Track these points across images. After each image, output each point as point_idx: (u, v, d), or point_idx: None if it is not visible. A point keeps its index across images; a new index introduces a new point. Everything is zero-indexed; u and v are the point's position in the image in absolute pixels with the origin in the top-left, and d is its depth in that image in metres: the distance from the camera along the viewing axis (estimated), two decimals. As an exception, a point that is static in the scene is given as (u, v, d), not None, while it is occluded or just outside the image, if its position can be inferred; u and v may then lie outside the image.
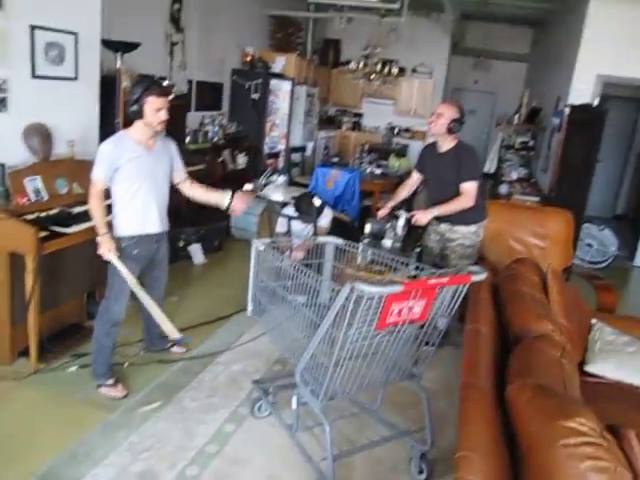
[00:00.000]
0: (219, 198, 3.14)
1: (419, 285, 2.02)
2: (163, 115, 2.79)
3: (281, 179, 4.12)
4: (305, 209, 4.42)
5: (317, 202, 4.03)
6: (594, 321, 3.10)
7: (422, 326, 2.38)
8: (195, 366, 3.36)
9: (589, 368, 2.79)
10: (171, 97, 5.17)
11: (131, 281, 2.84)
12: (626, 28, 5.59)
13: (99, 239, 2.82)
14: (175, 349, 3.52)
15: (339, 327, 2.09)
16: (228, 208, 3.12)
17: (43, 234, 3.01)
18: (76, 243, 3.24)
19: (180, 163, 3.12)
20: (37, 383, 3.04)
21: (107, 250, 2.81)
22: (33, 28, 3.42)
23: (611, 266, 6.46)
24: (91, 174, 2.80)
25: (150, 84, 2.77)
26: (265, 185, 3.99)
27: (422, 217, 3.52)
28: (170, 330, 3.01)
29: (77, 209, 3.40)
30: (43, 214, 3.22)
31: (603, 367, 2.77)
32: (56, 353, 3.32)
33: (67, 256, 3.36)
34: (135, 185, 2.83)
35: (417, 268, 2.61)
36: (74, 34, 3.73)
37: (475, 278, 2.14)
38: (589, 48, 5.77)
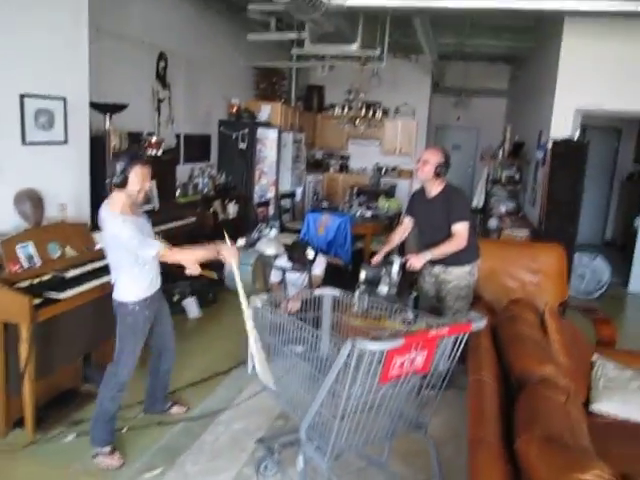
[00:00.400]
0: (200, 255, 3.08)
1: (419, 338, 2.02)
2: (147, 185, 2.85)
3: (273, 232, 4.15)
4: (298, 258, 4.42)
5: (311, 254, 4.04)
6: (595, 357, 3.09)
7: (426, 375, 2.36)
8: (196, 427, 3.30)
9: (594, 407, 2.76)
10: (160, 153, 5.27)
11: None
12: (599, 62, 5.75)
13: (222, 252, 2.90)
14: (175, 409, 3.46)
15: (342, 383, 2.07)
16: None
17: (37, 301, 2.98)
18: (71, 308, 3.21)
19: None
20: (33, 455, 2.96)
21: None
22: (23, 97, 3.48)
23: (605, 294, 6.47)
24: (148, 252, 2.79)
25: (135, 154, 2.83)
26: (257, 239, 4.01)
27: (416, 262, 3.54)
28: (267, 379, 2.90)
29: (70, 273, 3.38)
30: (36, 280, 3.19)
31: (608, 406, 2.74)
32: (52, 422, 3.24)
33: (62, 321, 3.32)
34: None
35: (414, 317, 2.61)
36: (63, 99, 3.79)
37: (475, 326, 2.14)
38: (566, 83, 5.91)
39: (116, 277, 2.93)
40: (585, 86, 5.82)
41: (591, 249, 7.08)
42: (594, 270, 6.49)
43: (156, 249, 2.79)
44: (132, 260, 2.84)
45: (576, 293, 6.41)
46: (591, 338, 3.70)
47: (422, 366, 2.22)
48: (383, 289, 3.55)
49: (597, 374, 2.96)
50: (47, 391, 3.37)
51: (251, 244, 4.09)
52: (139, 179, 2.78)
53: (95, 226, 4.01)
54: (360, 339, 1.91)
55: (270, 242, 4.11)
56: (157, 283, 3.06)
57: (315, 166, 10.38)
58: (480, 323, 2.16)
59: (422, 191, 3.80)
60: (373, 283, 3.62)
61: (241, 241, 4.00)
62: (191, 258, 2.89)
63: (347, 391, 2.06)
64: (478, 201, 8.20)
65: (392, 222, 6.75)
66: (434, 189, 3.67)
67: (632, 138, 9.30)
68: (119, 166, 2.74)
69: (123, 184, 2.76)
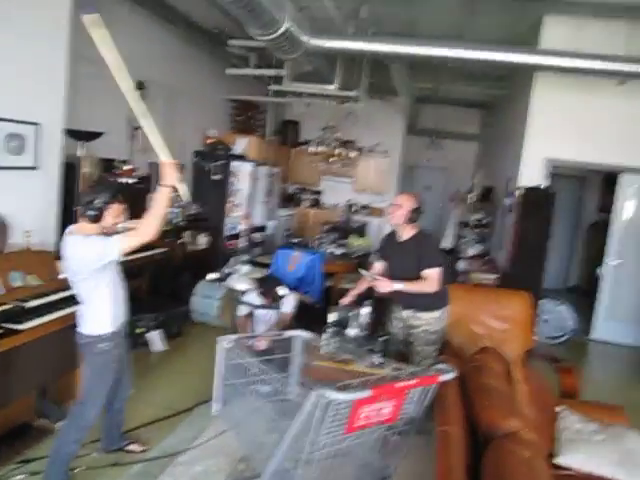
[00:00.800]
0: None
1: (387, 389, 2.00)
2: (120, 220, 2.82)
3: (245, 268, 4.12)
4: (268, 293, 4.39)
5: (282, 291, 4.01)
6: (559, 409, 3.11)
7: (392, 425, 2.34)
8: (154, 468, 3.18)
9: (559, 460, 2.77)
10: (132, 181, 5.22)
11: None
12: (568, 113, 5.97)
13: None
14: (133, 447, 3.34)
15: (306, 435, 2.03)
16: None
17: (-6, 332, 2.88)
18: (30, 339, 3.10)
19: None
20: (-21, 496, 2.82)
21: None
22: (-6, 120, 3.42)
23: (569, 341, 6.57)
24: (117, 247, 2.65)
25: (115, 192, 2.76)
26: (228, 274, 3.97)
27: (383, 285, 3.50)
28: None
29: (32, 303, 3.28)
30: (-4, 310, 3.09)
31: (573, 459, 2.75)
32: (2, 458, 3.09)
33: (20, 352, 3.19)
34: (111, 285, 2.84)
35: (381, 363, 2.60)
36: (36, 124, 3.74)
37: (443, 378, 2.13)
38: (535, 133, 6.10)
39: (84, 309, 2.83)
40: (553, 137, 6.02)
41: (555, 294, 7.22)
42: (558, 316, 6.60)
43: (118, 241, 2.66)
44: (100, 284, 2.76)
45: (541, 338, 6.50)
46: (555, 386, 3.75)
47: (389, 416, 2.20)
48: (352, 332, 3.53)
49: (561, 426, 2.97)
50: (0, 424, 3.22)
51: (222, 279, 4.04)
52: (113, 216, 2.75)
53: (60, 255, 3.95)
54: (326, 390, 1.88)
55: (241, 278, 4.08)
56: (123, 313, 2.99)
57: (287, 200, 10.41)
58: (448, 375, 2.16)
59: (393, 234, 3.82)
60: (342, 325, 3.61)
61: (212, 275, 3.97)
62: (159, 211, 2.71)
63: (311, 440, 2.02)
64: (447, 242, 8.33)
65: (362, 261, 6.76)
66: (405, 233, 3.70)
67: (596, 188, 9.59)
68: (97, 201, 2.68)
69: (96, 219, 2.71)
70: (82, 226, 2.76)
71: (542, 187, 5.95)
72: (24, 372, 3.29)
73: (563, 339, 6.58)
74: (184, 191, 2.78)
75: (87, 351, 2.85)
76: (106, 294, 2.81)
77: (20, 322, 3.05)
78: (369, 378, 2.13)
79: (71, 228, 2.79)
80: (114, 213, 2.75)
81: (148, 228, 2.68)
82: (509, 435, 2.19)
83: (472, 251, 7.43)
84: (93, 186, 3.04)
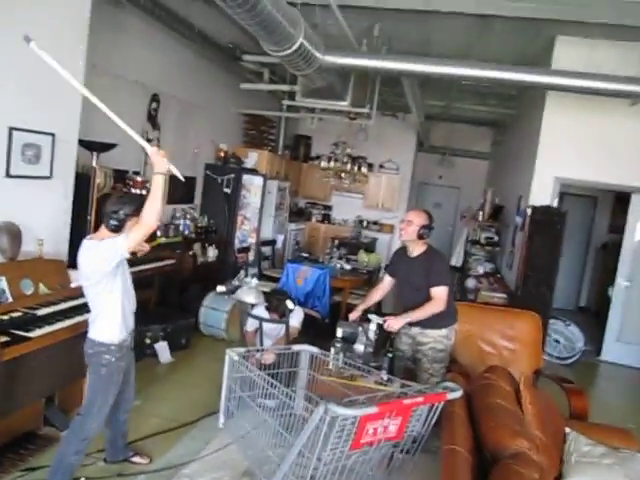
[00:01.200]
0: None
1: (394, 406, 1.99)
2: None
3: (254, 281, 4.13)
4: (277, 307, 4.39)
5: (290, 304, 4.02)
6: (568, 430, 3.07)
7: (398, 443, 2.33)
8: (158, 479, 3.17)
9: (566, 483, 2.73)
10: (144, 192, 5.26)
11: None
12: (579, 133, 5.96)
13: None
14: (137, 459, 3.33)
15: (311, 450, 2.02)
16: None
17: (4, 339, 2.90)
18: (39, 347, 3.12)
19: None
20: (-17, 504, 2.82)
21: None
22: (11, 130, 3.47)
23: (579, 361, 6.51)
24: (133, 240, 2.67)
25: (139, 206, 2.74)
26: (237, 287, 3.99)
27: (394, 323, 3.54)
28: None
29: (42, 311, 3.30)
30: (6, 317, 3.11)
31: (580, 482, 2.71)
32: (8, 466, 3.09)
33: (27, 360, 3.22)
34: (121, 294, 2.84)
35: (388, 380, 2.59)
36: (52, 135, 3.79)
37: (450, 396, 2.12)
38: (546, 152, 6.09)
39: (95, 315, 2.86)
40: (564, 156, 6.01)
41: (566, 314, 7.16)
42: (568, 337, 6.54)
43: (124, 238, 2.68)
44: (111, 290, 2.78)
45: (550, 358, 6.44)
46: (564, 407, 3.70)
47: (395, 434, 2.19)
48: (359, 347, 3.53)
49: (570, 448, 2.93)
50: (5, 433, 3.23)
51: (231, 291, 4.06)
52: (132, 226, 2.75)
53: (72, 264, 3.98)
54: (333, 405, 1.88)
55: (250, 290, 4.09)
56: (133, 323, 2.99)
57: (298, 215, 10.45)
58: (455, 394, 2.15)
59: (404, 249, 3.83)
60: (349, 341, 3.61)
61: (221, 288, 3.99)
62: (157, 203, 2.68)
63: (316, 457, 2.01)
64: (457, 260, 8.30)
65: (371, 277, 6.76)
66: (416, 249, 3.71)
67: (607, 208, 9.56)
68: (122, 212, 2.74)
69: (117, 229, 2.76)
70: (101, 233, 2.82)
71: (553, 206, 5.93)
72: (32, 379, 3.31)
73: (573, 360, 6.52)
74: (177, 172, 2.78)
75: (93, 361, 2.85)
76: (117, 301, 2.82)
77: (30, 330, 3.07)
78: (376, 394, 2.12)
79: (91, 235, 2.88)
80: (134, 225, 2.75)
81: (149, 217, 2.67)
82: (516, 455, 2.17)
83: (481, 269, 7.39)
84: (121, 197, 3.01)
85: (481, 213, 7.98)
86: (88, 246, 2.75)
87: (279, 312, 4.36)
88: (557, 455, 2.88)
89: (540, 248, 5.73)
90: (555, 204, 6.12)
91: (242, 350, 2.81)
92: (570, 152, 6.00)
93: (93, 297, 2.83)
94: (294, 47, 4.42)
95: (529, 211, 5.87)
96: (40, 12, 3.54)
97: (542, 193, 6.11)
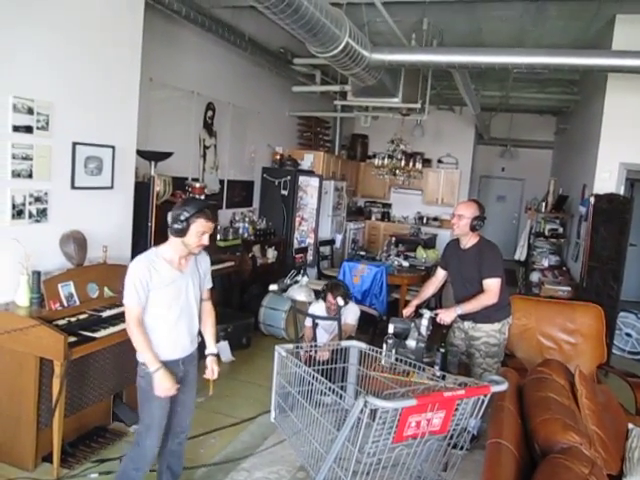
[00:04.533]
0: (208, 343, 2.92)
1: (433, 399, 1.99)
2: (206, 240, 2.64)
3: (304, 280, 4.18)
4: (332, 290, 4.33)
5: (340, 302, 4.05)
6: (631, 426, 2.95)
7: (446, 436, 2.32)
8: (217, 472, 3.30)
9: (628, 480, 2.62)
10: (203, 198, 5.43)
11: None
12: (642, 116, 5.69)
13: (155, 376, 2.54)
14: None
15: (354, 442, 2.05)
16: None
17: (72, 339, 3.10)
18: (104, 347, 3.32)
19: (209, 281, 2.92)
20: (57, 491, 3.02)
21: (169, 388, 2.56)
22: (75, 144, 3.70)
23: (654, 356, 6.18)
24: (124, 299, 2.60)
25: (202, 207, 2.63)
26: (289, 285, 4.06)
27: (446, 316, 3.51)
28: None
29: (107, 313, 3.50)
30: (74, 319, 3.33)
31: (643, 479, 2.60)
32: (79, 458, 3.31)
33: (95, 359, 3.45)
34: (164, 311, 2.64)
35: (442, 377, 2.58)
36: (112, 147, 4.00)
37: (495, 389, 2.10)
38: (609, 137, 5.84)
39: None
40: (629, 141, 5.74)
41: (639, 307, 6.81)
42: (640, 330, 6.23)
43: (128, 303, 2.58)
44: (145, 316, 2.62)
45: (622, 353, 6.16)
46: (631, 403, 3.55)
47: (440, 427, 2.18)
48: (411, 343, 3.52)
49: (632, 444, 2.81)
50: (77, 427, 3.46)
51: (283, 290, 4.14)
52: (199, 232, 2.59)
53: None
54: (372, 397, 1.91)
55: (301, 289, 4.15)
56: (184, 350, 2.74)
57: (357, 214, 10.47)
58: (500, 386, 2.12)
59: (457, 241, 3.79)
60: (402, 336, 3.60)
61: (273, 286, 4.07)
62: (136, 347, 2.61)
63: (359, 449, 2.04)
64: (521, 253, 8.06)
65: (429, 273, 6.69)
66: (469, 241, 3.66)
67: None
68: (183, 214, 2.57)
69: (182, 233, 2.58)
70: (169, 242, 2.68)
71: (618, 194, 5.66)
72: (99, 377, 3.54)
73: (647, 354, 6.20)
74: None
75: (137, 371, 2.71)
76: (158, 319, 2.64)
77: (95, 330, 3.27)
78: (416, 387, 2.12)
79: (157, 248, 2.74)
80: (199, 230, 2.59)
81: (128, 328, 2.62)
82: (566, 450, 2.11)
83: (546, 262, 7.16)
84: (184, 200, 2.84)
85: (544, 204, 7.72)
86: (131, 266, 2.62)
87: (335, 297, 4.27)
88: (618, 451, 2.77)
89: (605, 238, 5.49)
90: (622, 191, 5.85)
91: (291, 346, 2.87)
92: (635, 137, 5.72)
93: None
94: (340, 47, 4.45)
95: (592, 200, 5.64)
96: (93, 32, 3.75)
97: (607, 181, 5.86)
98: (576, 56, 5.07)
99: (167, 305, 2.63)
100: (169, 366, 2.64)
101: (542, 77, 7.69)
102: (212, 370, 2.85)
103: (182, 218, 2.57)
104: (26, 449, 3.15)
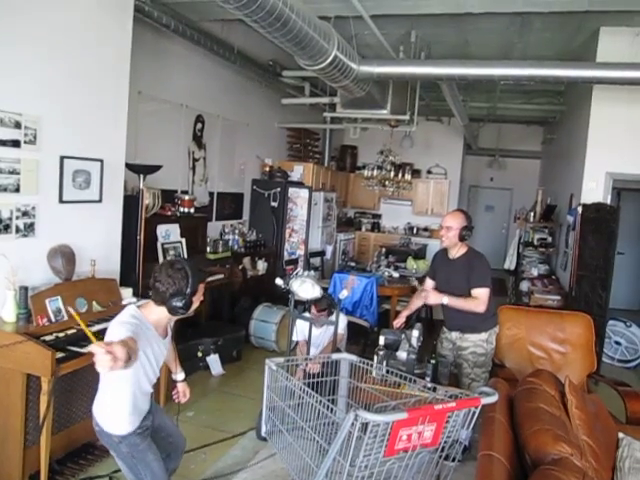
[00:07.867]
0: (174, 370, 2.88)
1: (424, 412, 1.99)
2: (198, 301, 2.44)
3: (306, 274, 4.00)
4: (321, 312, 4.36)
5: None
6: (621, 435, 2.95)
7: (437, 449, 2.30)
8: (208, 488, 3.27)
9: (619, 490, 2.62)
10: (192, 211, 5.41)
11: None
12: (630, 126, 5.74)
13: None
14: None
15: (345, 456, 2.04)
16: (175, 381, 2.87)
17: (60, 355, 3.07)
18: (92, 362, 3.28)
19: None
20: (45, 511, 2.97)
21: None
22: (62, 158, 3.68)
23: (644, 364, 6.22)
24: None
25: (201, 275, 2.42)
26: (292, 278, 3.93)
27: (433, 298, 3.58)
28: None
29: (95, 327, 3.46)
30: (62, 334, 3.29)
31: (634, 489, 2.60)
32: (67, 475, 3.28)
33: (83, 374, 3.41)
34: (142, 377, 2.41)
35: (433, 389, 2.57)
36: (100, 161, 3.99)
37: (485, 401, 2.09)
38: (596, 147, 5.90)
39: (101, 397, 2.45)
40: (615, 151, 5.80)
41: (628, 315, 6.86)
42: (630, 339, 6.26)
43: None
44: (121, 378, 2.31)
45: (611, 361, 6.18)
46: (621, 412, 3.56)
47: (431, 440, 2.17)
48: (402, 355, 3.51)
49: (622, 454, 2.82)
50: (65, 444, 3.42)
51: (287, 284, 3.98)
52: (199, 297, 2.40)
53: (123, 281, 4.17)
54: (362, 410, 1.90)
55: (305, 283, 3.83)
56: (146, 406, 2.54)
57: (347, 225, 10.49)
58: (491, 398, 2.12)
59: (445, 252, 3.80)
60: (393, 347, 3.60)
61: (279, 281, 4.00)
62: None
63: (350, 464, 2.03)
64: (510, 263, 8.10)
65: (420, 283, 6.70)
66: (458, 251, 3.67)
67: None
68: (188, 288, 2.30)
69: (186, 308, 2.33)
70: (151, 308, 2.41)
71: (604, 203, 5.72)
72: (88, 393, 3.48)
73: (637, 362, 6.23)
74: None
75: (109, 446, 2.46)
76: (126, 389, 2.36)
77: (83, 345, 3.23)
78: (406, 400, 2.12)
79: (142, 303, 2.47)
80: (197, 298, 2.40)
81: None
82: (557, 461, 2.11)
83: (535, 271, 7.19)
84: (175, 269, 2.34)
85: (532, 214, 7.77)
86: (115, 322, 2.37)
87: (318, 310, 4.30)
88: (608, 461, 2.77)
89: (593, 247, 5.53)
90: (609, 201, 5.90)
91: (281, 360, 2.86)
92: (621, 147, 5.78)
93: (108, 382, 2.39)
94: (328, 60, 4.48)
95: (580, 209, 5.68)
96: (82, 45, 3.75)
97: (594, 190, 5.91)
98: (561, 68, 5.13)
99: (143, 370, 2.38)
100: (143, 427, 2.46)
101: (529, 88, 7.78)
102: (184, 393, 2.84)
103: (187, 293, 2.30)
104: (13, 467, 3.09)
